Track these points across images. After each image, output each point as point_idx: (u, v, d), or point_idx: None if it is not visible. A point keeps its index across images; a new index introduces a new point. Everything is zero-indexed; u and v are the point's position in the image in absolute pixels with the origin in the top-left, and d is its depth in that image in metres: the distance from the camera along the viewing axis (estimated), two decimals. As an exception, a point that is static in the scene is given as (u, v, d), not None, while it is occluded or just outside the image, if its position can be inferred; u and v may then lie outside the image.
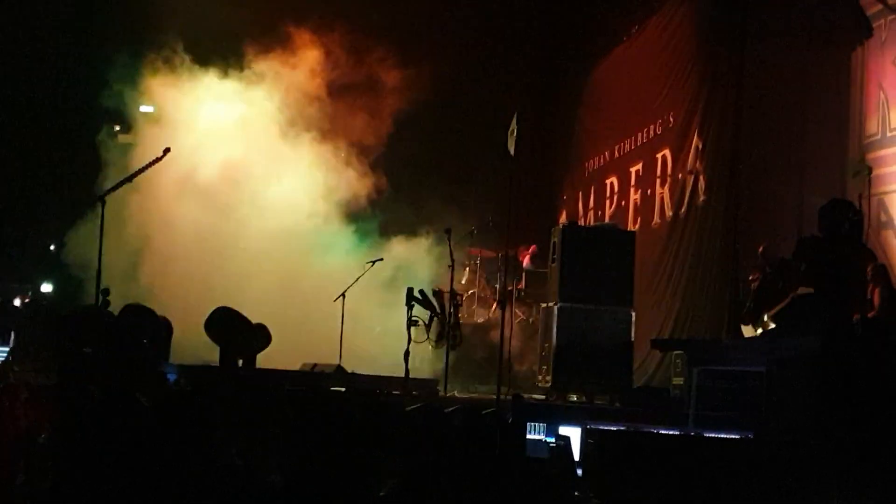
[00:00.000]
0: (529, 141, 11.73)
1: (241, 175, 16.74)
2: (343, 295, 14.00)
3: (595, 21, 18.71)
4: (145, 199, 15.64)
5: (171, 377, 11.02)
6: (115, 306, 10.96)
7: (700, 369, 10.05)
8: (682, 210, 15.00)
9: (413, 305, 12.45)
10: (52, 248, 18.75)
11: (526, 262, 16.80)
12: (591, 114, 19.45)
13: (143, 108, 17.29)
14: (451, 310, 12.72)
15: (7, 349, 15.36)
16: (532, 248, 16.88)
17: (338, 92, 17.13)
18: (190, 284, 15.46)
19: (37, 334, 13.77)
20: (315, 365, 12.98)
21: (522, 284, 16.65)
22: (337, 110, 17.17)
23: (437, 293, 12.95)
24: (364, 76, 17.13)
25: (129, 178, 11.42)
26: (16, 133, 17.94)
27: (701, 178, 14.52)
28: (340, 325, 13.74)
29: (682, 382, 11.26)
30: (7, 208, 18.90)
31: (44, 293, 21.02)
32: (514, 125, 11.72)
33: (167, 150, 11.51)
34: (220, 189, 16.58)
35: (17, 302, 20.92)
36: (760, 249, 12.60)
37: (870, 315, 10.65)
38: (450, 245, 12.88)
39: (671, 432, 8.77)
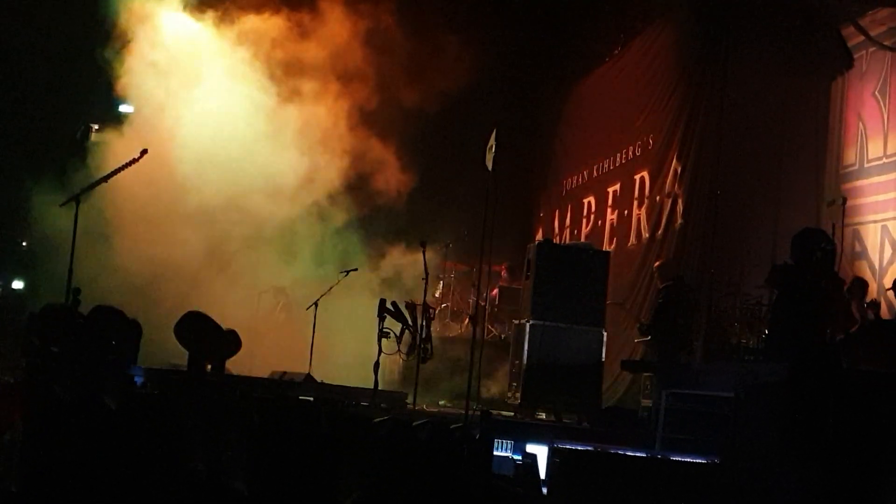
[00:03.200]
0: (508, 157, 11.71)
1: (218, 173, 16.63)
2: (315, 304, 13.93)
3: (577, 40, 18.78)
4: (120, 196, 15.50)
5: (139, 380, 10.94)
6: (86, 306, 10.87)
7: (669, 392, 10.06)
8: (659, 232, 15.05)
9: (385, 317, 12.40)
10: (23, 244, 18.58)
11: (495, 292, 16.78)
12: (570, 132, 19.51)
13: (123, 108, 17.20)
14: (424, 323, 12.67)
15: (-25, 345, 15.24)
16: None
17: (317, 100, 17.09)
18: (161, 287, 15.36)
19: (4, 331, 13.66)
20: (284, 373, 12.92)
21: (496, 300, 16.64)
22: (316, 119, 17.11)
23: (410, 305, 12.90)
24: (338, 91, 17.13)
25: (105, 178, 11.33)
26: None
27: (679, 201, 14.58)
28: (312, 333, 13.67)
29: (650, 404, 11.28)
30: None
31: (14, 290, 20.85)
32: (492, 140, 11.73)
33: (144, 152, 11.43)
34: (194, 187, 16.47)
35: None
36: (657, 265, 12.79)
37: (853, 329, 10.76)
38: (424, 258, 12.84)
39: (638, 454, 8.76)
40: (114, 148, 15.85)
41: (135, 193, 15.50)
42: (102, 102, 17.23)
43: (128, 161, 11.28)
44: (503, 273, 17.18)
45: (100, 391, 7.16)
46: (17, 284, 21.09)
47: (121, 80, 16.52)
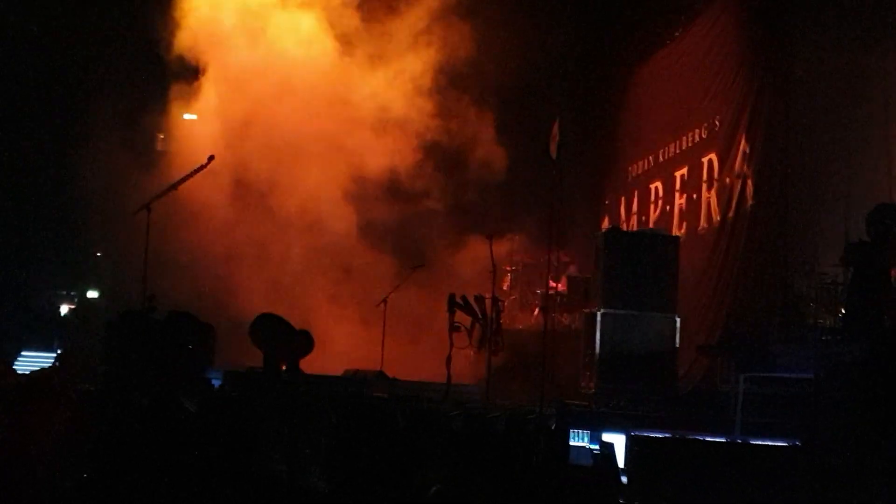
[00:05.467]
0: (571, 145, 11.65)
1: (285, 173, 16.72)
2: (385, 301, 13.99)
3: (637, 24, 18.58)
4: (192, 204, 15.66)
5: (216, 382, 11.09)
6: (161, 312, 11.03)
7: (747, 376, 9.94)
8: (731, 214, 14.83)
9: (455, 311, 12.41)
10: (98, 255, 18.90)
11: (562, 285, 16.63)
12: (633, 118, 19.31)
13: (187, 116, 17.41)
14: (494, 315, 12.65)
15: (53, 355, 15.56)
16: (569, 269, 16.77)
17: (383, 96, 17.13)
18: (235, 290, 15.54)
19: (83, 341, 13.93)
20: (357, 370, 13.00)
21: (565, 290, 16.54)
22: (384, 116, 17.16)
23: (479, 299, 12.90)
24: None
25: (174, 186, 11.50)
26: (63, 142, 18.10)
27: (749, 182, 14.37)
28: (382, 330, 13.74)
29: (728, 389, 11.15)
30: (53, 216, 19.09)
31: (90, 299, 21.22)
32: (555, 130, 11.70)
33: (211, 158, 11.60)
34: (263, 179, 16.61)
35: (63, 309, 21.15)
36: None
37: None
38: (491, 250, 12.82)
39: (717, 439, 8.68)
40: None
41: (203, 193, 15.62)
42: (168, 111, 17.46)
43: (196, 168, 11.46)
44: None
45: (179, 395, 7.26)
46: (92, 294, 21.48)
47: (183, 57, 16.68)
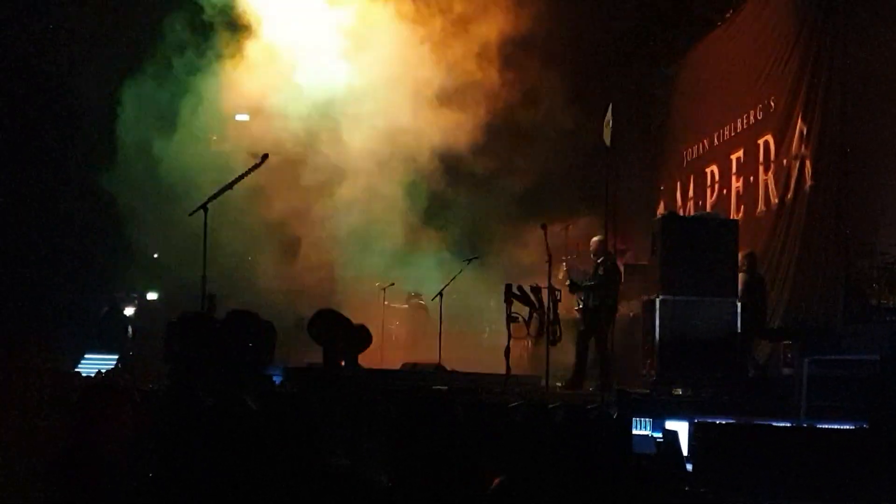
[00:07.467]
0: (626, 131, 11.57)
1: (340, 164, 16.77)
2: (441, 293, 13.99)
3: (688, 7, 18.40)
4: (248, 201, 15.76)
5: (277, 379, 11.16)
6: (222, 311, 11.11)
7: (811, 359, 9.80)
8: (789, 196, 14.63)
9: (512, 302, 12.38)
10: (155, 256, 19.11)
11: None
12: (686, 102, 19.12)
13: (239, 117, 17.54)
14: (550, 305, 12.60)
15: (116, 356, 15.78)
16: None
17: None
18: (293, 286, 15.64)
19: (146, 341, 14.09)
20: (416, 364, 13.02)
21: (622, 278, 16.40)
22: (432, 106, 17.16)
23: (536, 289, 12.85)
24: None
25: (230, 185, 11.54)
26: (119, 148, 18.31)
27: (807, 162, 14.16)
28: (439, 323, 13.74)
29: (792, 373, 11.01)
30: (111, 219, 19.34)
31: (149, 301, 21.48)
32: (608, 116, 11.61)
33: (265, 157, 11.63)
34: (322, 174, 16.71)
35: (127, 311, 21.45)
36: (594, 240, 12.87)
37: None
38: (546, 239, 12.75)
39: (782, 424, 8.57)
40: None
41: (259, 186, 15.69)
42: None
43: (251, 167, 11.50)
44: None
45: (242, 393, 7.30)
46: (152, 296, 21.74)
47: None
